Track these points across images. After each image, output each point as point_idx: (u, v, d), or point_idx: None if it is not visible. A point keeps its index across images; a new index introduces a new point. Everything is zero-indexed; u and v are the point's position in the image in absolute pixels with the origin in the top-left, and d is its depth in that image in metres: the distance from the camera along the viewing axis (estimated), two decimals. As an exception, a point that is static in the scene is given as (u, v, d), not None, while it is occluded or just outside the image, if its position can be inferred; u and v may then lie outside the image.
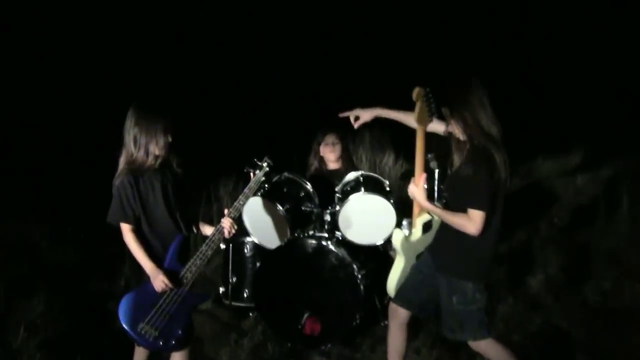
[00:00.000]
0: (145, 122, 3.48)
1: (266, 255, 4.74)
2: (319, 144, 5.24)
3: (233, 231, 3.63)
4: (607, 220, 6.83)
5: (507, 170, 3.25)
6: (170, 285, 3.40)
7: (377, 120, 4.00)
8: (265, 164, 3.85)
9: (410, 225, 3.69)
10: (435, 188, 4.50)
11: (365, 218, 4.54)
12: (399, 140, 7.50)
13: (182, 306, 3.44)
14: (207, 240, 3.56)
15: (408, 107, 3.56)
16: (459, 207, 3.29)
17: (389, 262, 4.94)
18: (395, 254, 3.80)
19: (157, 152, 3.51)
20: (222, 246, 4.90)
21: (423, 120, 3.49)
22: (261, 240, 4.79)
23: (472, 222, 3.21)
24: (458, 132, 3.35)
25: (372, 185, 4.59)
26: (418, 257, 3.75)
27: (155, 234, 3.55)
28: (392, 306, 3.75)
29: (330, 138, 5.19)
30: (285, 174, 4.79)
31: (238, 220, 3.74)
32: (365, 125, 4.02)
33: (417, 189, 3.47)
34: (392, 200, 4.50)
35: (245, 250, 4.95)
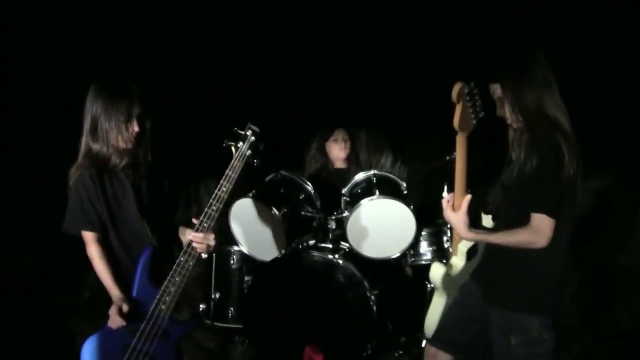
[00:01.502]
0: (107, 105, 2.72)
1: (258, 269, 3.98)
2: (325, 140, 4.59)
3: (211, 244, 2.82)
4: (616, 234, 6.22)
5: (579, 168, 2.51)
6: (123, 323, 2.62)
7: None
8: (249, 132, 2.89)
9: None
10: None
11: (379, 226, 3.79)
12: (397, 140, 6.88)
13: (164, 342, 2.67)
14: (182, 253, 2.78)
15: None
16: (518, 217, 2.54)
17: (402, 280, 4.27)
18: (435, 289, 3.06)
19: (121, 145, 2.74)
20: (204, 255, 4.11)
21: (466, 125, 2.63)
22: (251, 250, 4.01)
23: (538, 232, 2.44)
24: (511, 118, 2.61)
25: (387, 188, 3.84)
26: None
27: (124, 246, 2.79)
28: (431, 350, 2.94)
29: (341, 134, 4.57)
30: (282, 171, 4.03)
31: (224, 222, 2.95)
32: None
33: (457, 215, 2.61)
34: (411, 206, 3.76)
35: (232, 262, 4.17)
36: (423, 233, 3.98)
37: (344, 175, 4.34)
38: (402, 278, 4.28)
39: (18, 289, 4.62)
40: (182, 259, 2.74)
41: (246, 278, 4.12)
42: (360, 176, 3.96)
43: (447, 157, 4.07)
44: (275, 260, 3.86)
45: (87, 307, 2.77)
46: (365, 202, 3.75)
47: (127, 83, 2.82)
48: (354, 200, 3.83)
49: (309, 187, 4.02)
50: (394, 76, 7.66)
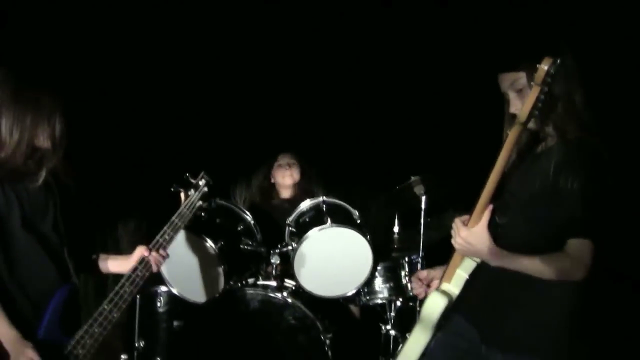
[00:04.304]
0: (22, 97, 2.17)
1: (190, 312, 3.44)
2: (271, 166, 4.19)
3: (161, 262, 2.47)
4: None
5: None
6: None
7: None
8: (202, 182, 2.70)
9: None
10: (422, 220, 3.49)
11: (331, 260, 3.33)
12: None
13: None
14: (116, 289, 2.26)
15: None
16: (539, 240, 2.11)
17: (350, 320, 3.84)
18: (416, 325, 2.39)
19: (42, 145, 2.20)
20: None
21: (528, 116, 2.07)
22: (182, 290, 3.45)
23: (580, 261, 2.00)
24: (531, 117, 2.09)
25: (338, 216, 3.41)
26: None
27: (18, 281, 2.19)
28: None
29: (285, 158, 4.16)
30: (217, 200, 3.54)
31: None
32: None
33: (477, 233, 2.07)
34: (367, 236, 3.33)
35: (158, 304, 3.61)
36: (378, 268, 3.56)
37: (291, 205, 3.89)
38: (348, 319, 3.86)
39: None
40: (112, 298, 2.28)
41: (175, 323, 3.57)
42: (306, 204, 3.52)
43: (397, 187, 3.74)
44: (210, 301, 3.34)
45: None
46: (314, 233, 3.30)
47: (49, 73, 2.31)
48: (301, 231, 3.38)
49: (248, 217, 3.55)
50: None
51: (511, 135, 2.05)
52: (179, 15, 5.41)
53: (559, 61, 1.99)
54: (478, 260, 2.18)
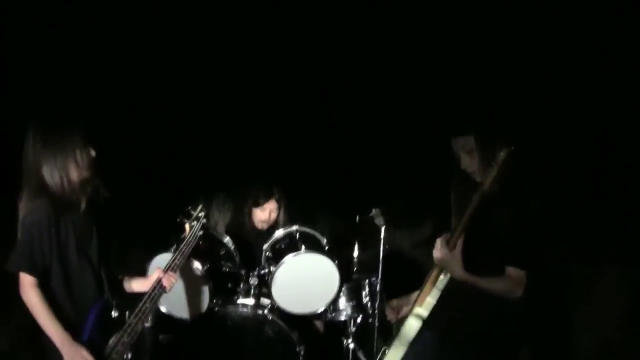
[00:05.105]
0: (49, 144, 2.63)
1: (178, 328, 3.85)
2: (253, 203, 4.34)
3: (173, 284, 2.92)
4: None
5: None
6: None
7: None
8: (202, 214, 3.21)
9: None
10: (381, 249, 3.99)
11: (304, 281, 3.84)
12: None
13: None
14: (140, 305, 2.71)
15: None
16: (488, 266, 2.72)
17: (316, 334, 4.30)
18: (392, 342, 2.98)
19: (79, 176, 2.66)
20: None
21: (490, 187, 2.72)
22: (170, 308, 3.88)
23: (518, 283, 2.66)
24: (479, 171, 2.81)
25: (310, 243, 3.92)
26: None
27: (71, 294, 2.66)
28: None
29: (270, 205, 4.32)
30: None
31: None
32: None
33: (453, 255, 2.71)
34: (336, 261, 3.85)
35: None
36: (342, 289, 4.06)
37: (263, 234, 4.31)
38: (313, 333, 4.31)
39: None
40: (133, 318, 2.71)
41: (161, 336, 3.97)
42: (281, 232, 3.99)
43: (358, 218, 4.23)
44: (196, 317, 3.78)
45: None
46: (289, 258, 3.80)
47: (68, 113, 2.77)
48: (277, 256, 3.86)
49: (229, 243, 3.98)
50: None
51: (476, 200, 2.67)
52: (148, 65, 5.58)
53: (513, 148, 2.64)
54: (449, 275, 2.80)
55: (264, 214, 4.32)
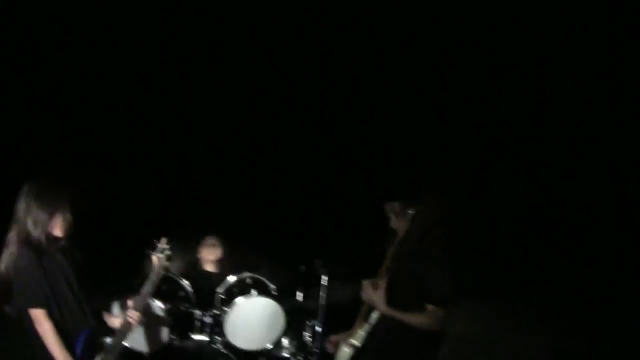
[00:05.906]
0: (46, 198, 3.12)
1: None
2: (198, 243, 4.94)
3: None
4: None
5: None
6: None
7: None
8: (167, 246, 3.58)
9: None
10: (322, 296, 4.51)
11: (254, 321, 4.38)
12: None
13: None
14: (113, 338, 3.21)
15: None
16: (410, 303, 3.28)
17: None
18: None
19: (57, 233, 3.15)
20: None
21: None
22: (132, 342, 4.33)
23: (436, 319, 3.22)
24: (403, 229, 3.43)
25: (259, 288, 4.48)
26: None
27: (64, 323, 3.10)
28: None
29: (211, 240, 4.92)
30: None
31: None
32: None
33: (378, 293, 3.33)
34: (282, 305, 4.42)
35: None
36: (286, 329, 4.59)
37: (214, 277, 4.82)
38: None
39: None
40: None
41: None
42: (233, 277, 4.53)
43: (301, 267, 4.80)
44: (155, 351, 4.25)
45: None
46: (241, 300, 4.35)
47: (61, 176, 3.28)
48: (230, 298, 4.41)
49: (187, 286, 4.49)
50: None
51: (392, 249, 3.42)
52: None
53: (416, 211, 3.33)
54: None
55: (208, 250, 4.87)
